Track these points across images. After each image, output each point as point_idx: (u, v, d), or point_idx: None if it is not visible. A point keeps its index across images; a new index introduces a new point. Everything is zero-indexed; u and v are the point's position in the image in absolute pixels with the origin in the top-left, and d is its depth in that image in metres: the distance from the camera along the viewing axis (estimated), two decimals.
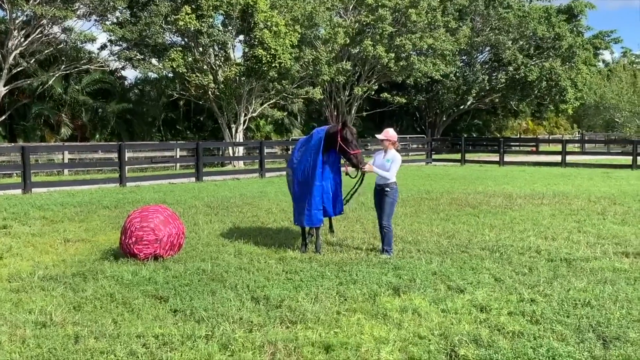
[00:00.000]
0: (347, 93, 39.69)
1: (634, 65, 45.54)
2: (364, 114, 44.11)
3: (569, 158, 29.25)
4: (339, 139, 8.85)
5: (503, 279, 7.43)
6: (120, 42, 31.33)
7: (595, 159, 31.66)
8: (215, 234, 10.66)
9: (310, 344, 5.33)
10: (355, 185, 9.50)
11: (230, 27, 31.12)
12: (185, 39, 31.35)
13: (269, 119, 40.43)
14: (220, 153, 34.24)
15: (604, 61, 61.31)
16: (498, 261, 8.42)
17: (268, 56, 28.71)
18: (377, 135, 9.17)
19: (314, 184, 8.96)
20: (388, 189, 8.81)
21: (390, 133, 8.94)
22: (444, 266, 8.12)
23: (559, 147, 30.98)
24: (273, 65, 28.99)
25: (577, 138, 55.13)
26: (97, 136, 34.98)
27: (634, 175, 23.10)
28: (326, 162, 9.16)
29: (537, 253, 8.93)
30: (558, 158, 29.42)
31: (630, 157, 27.33)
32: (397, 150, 9.07)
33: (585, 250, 9.13)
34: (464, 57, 45.28)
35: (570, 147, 37.93)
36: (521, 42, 43.52)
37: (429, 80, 40.04)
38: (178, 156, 29.68)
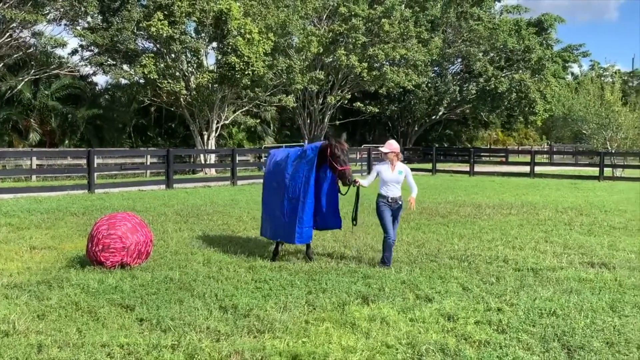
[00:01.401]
0: (320, 102, 39.80)
1: (602, 79, 46.42)
2: (337, 122, 44.27)
3: (537, 169, 29.71)
4: (328, 154, 8.77)
5: (471, 288, 7.49)
6: (92, 48, 31.04)
7: (563, 170, 32.18)
8: (185, 242, 10.57)
9: (278, 353, 5.30)
10: (355, 203, 9.28)
11: (203, 34, 31.03)
12: (157, 45, 31.14)
13: (242, 126, 40.31)
14: (192, 160, 34.03)
15: (572, 74, 62.47)
16: (466, 270, 8.49)
17: (241, 64, 28.67)
18: (381, 149, 9.04)
19: (305, 201, 8.78)
20: (401, 202, 8.89)
21: (394, 145, 8.94)
22: (413, 275, 8.16)
23: (527, 158, 31.43)
24: (246, 72, 28.96)
25: (545, 149, 56.04)
26: (67, 142, 34.46)
27: (601, 187, 23.53)
28: (322, 179, 9.10)
29: (504, 262, 9.03)
30: (527, 169, 29.86)
31: (598, 169, 27.85)
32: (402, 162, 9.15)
33: (552, 260, 9.26)
34: (435, 68, 45.75)
35: (539, 158, 38.57)
36: (492, 54, 44.18)
37: (401, 90, 40.37)
38: (148, 163, 29.38)
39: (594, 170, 28.40)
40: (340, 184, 9.07)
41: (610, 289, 7.49)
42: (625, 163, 30.64)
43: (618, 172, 29.16)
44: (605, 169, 27.85)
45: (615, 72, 63.31)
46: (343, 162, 8.74)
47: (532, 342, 5.60)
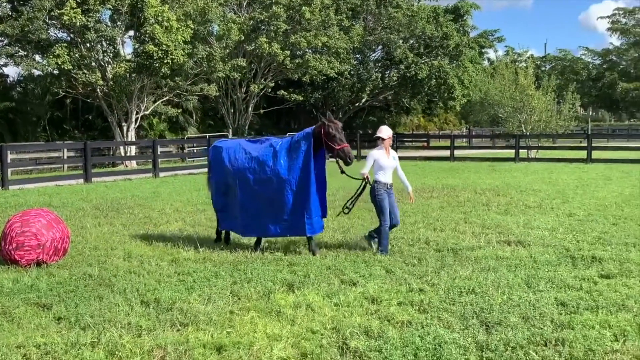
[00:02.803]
0: (243, 90, 39.44)
1: (516, 64, 48.13)
2: (262, 111, 44.01)
3: (457, 152, 30.59)
4: (323, 136, 8.60)
5: (394, 271, 7.63)
6: (1, 38, 29.45)
7: (481, 152, 33.27)
8: (104, 237, 10.26)
9: (202, 345, 5.23)
10: (357, 192, 9.21)
11: (119, 23, 30.08)
12: (71, 35, 29.94)
13: (163, 117, 39.41)
14: (111, 153, 32.99)
15: (488, 59, 64.64)
16: (389, 253, 8.64)
17: (160, 52, 27.97)
18: (381, 135, 8.86)
19: (310, 190, 8.57)
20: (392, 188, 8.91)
21: (390, 131, 8.97)
22: (338, 260, 8.23)
23: (448, 142, 32.31)
24: (165, 61, 28.28)
25: (464, 133, 57.75)
26: None
27: (517, 168, 24.47)
28: (318, 166, 8.88)
29: (426, 244, 9.25)
30: (447, 153, 30.70)
31: (513, 151, 28.97)
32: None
33: (471, 240, 9.56)
34: (357, 56, 46.17)
35: (458, 142, 39.71)
36: (411, 41, 44.97)
37: (324, 77, 40.50)
38: (65, 157, 28.26)
39: (510, 152, 29.55)
40: (341, 163, 8.85)
41: (526, 266, 7.80)
42: (539, 144, 31.85)
43: (532, 154, 30.36)
44: (520, 150, 28.98)
45: (529, 57, 65.93)
46: (340, 140, 8.61)
47: (452, 320, 5.76)
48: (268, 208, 8.77)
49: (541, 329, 5.50)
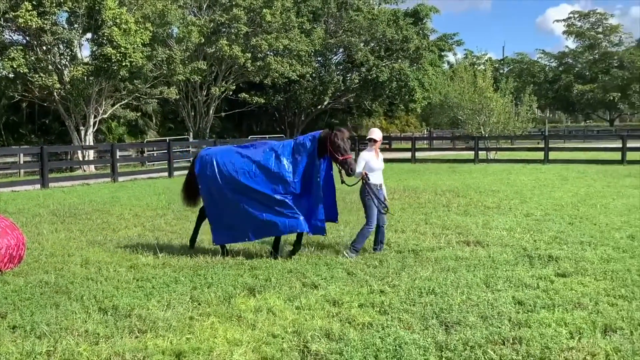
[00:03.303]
0: (204, 93, 39.16)
1: (475, 66, 48.90)
2: (223, 114, 43.73)
3: (418, 154, 30.95)
4: (328, 144, 8.45)
5: (355, 273, 7.65)
6: None
7: (441, 154, 33.68)
8: (61, 243, 10.04)
9: (161, 352, 5.16)
10: (374, 195, 8.98)
11: (76, 25, 29.52)
12: (27, 38, 29.31)
13: (122, 120, 38.84)
14: (69, 157, 32.30)
15: (448, 62, 65.53)
16: (357, 255, 8.65)
17: (118, 55, 27.58)
18: (374, 137, 8.95)
19: (318, 193, 8.46)
20: None
21: (381, 134, 9.17)
22: (300, 263, 8.22)
23: (409, 145, 32.62)
24: (124, 64, 27.90)
25: (425, 135, 58.37)
26: None
27: (476, 169, 24.85)
28: (323, 170, 8.73)
29: (387, 246, 9.29)
30: (408, 155, 31.01)
31: (473, 152, 29.41)
32: None
33: (431, 240, 9.65)
34: (319, 58, 46.30)
35: (419, 144, 40.11)
36: (372, 44, 45.30)
37: (286, 80, 40.48)
38: (22, 162, 27.66)
39: (470, 154, 29.97)
40: (344, 175, 8.70)
41: (484, 266, 7.90)
42: (498, 146, 32.43)
43: (491, 155, 30.88)
44: (479, 152, 29.45)
45: (487, 60, 67.06)
46: (344, 150, 8.45)
47: (412, 321, 5.80)
48: (272, 210, 8.52)
49: (499, 327, 5.58)
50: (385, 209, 9.03)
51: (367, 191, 8.75)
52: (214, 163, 8.85)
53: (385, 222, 9.13)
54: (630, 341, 5.22)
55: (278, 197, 8.46)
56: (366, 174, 8.78)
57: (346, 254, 8.61)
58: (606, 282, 7.01)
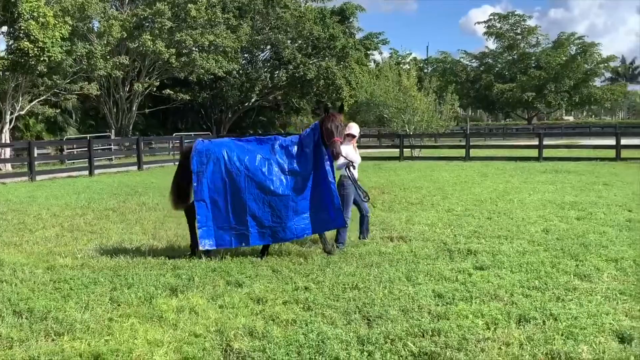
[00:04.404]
0: (127, 89, 38.17)
1: (400, 66, 49.79)
2: (147, 111, 42.78)
3: None
4: (323, 130, 8.32)
5: (280, 270, 7.65)
6: None
7: (368, 152, 34.05)
8: None
9: (78, 354, 5.00)
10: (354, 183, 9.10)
11: None
12: None
13: (40, 117, 37.33)
14: None
15: (374, 61, 66.39)
16: (277, 253, 8.66)
17: (35, 49, 26.41)
18: (352, 132, 9.15)
19: (330, 184, 8.35)
20: None
21: (359, 129, 9.50)
22: (224, 262, 8.13)
23: None
24: (41, 59, 26.75)
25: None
26: None
27: (401, 166, 25.32)
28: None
29: (313, 243, 9.34)
30: None
31: (398, 150, 29.93)
32: None
33: (356, 237, 9.76)
34: (246, 55, 46.07)
35: None
36: (299, 42, 45.44)
37: (212, 76, 40.03)
38: None
39: (395, 152, 30.49)
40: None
41: (406, 260, 8.07)
42: (422, 144, 33.14)
43: (416, 152, 31.56)
44: (404, 150, 30.02)
45: (412, 60, 68.45)
46: (332, 133, 8.25)
47: (335, 316, 5.86)
48: (286, 209, 8.32)
49: (419, 320, 5.71)
50: (367, 197, 9.27)
51: (344, 184, 9.01)
52: (221, 159, 8.33)
53: (368, 211, 9.56)
54: (542, 330, 5.45)
55: (291, 196, 8.33)
56: (351, 162, 8.96)
57: (338, 247, 8.86)
58: (521, 274, 7.28)
